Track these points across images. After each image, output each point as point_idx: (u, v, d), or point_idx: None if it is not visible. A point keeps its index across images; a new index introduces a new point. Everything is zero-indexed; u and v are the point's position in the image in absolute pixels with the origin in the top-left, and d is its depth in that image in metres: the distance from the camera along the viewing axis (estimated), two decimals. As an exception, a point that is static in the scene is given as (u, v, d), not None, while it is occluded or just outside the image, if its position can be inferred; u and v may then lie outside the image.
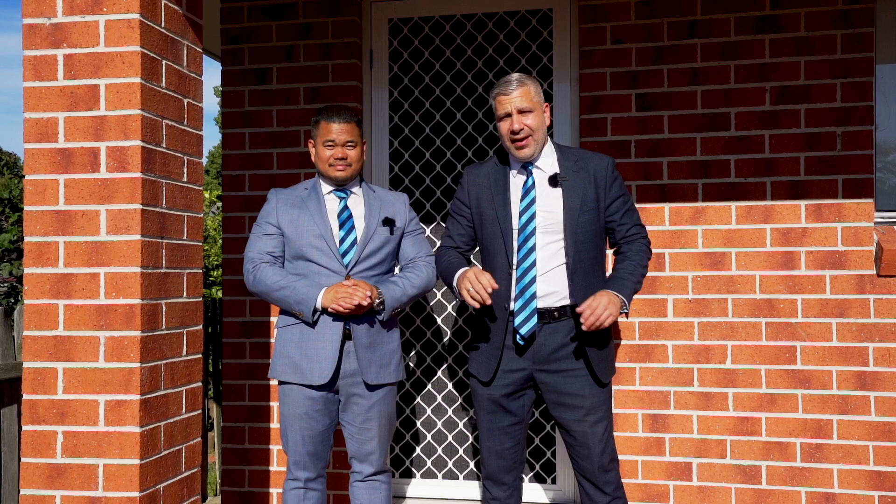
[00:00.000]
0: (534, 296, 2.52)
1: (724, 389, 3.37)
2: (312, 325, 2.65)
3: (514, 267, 2.55)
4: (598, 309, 2.37)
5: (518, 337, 2.54)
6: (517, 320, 2.52)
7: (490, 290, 2.37)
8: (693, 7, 3.43)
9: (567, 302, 2.55)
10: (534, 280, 2.52)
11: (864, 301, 3.28)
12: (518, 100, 2.54)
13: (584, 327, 2.39)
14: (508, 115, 2.55)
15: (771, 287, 3.35)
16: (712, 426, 3.37)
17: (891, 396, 3.26)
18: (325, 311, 2.64)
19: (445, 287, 3.75)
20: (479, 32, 3.74)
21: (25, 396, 2.38)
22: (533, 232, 2.54)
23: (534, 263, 2.53)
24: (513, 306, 2.55)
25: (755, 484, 3.34)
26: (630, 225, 2.65)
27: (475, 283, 2.38)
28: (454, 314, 3.74)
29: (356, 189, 2.82)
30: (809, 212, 3.33)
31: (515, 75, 2.58)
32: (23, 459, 2.38)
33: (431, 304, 3.77)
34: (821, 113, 3.34)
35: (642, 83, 3.45)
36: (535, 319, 2.51)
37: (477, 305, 2.39)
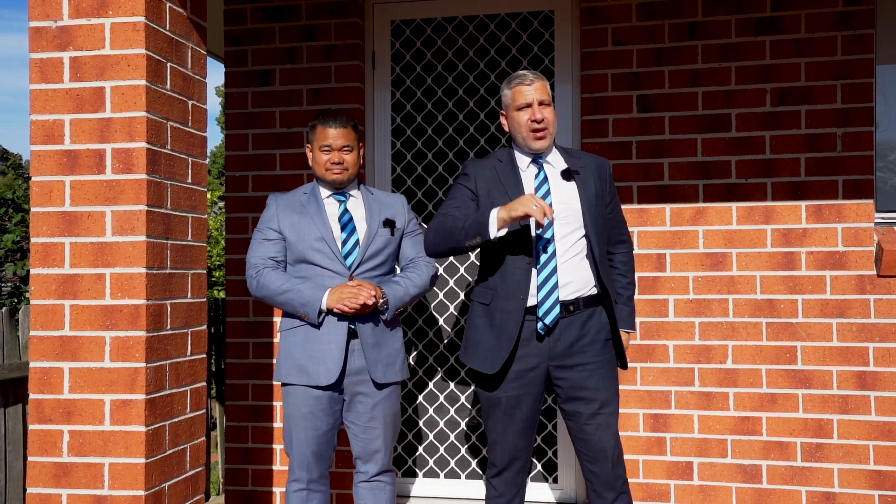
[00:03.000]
0: (556, 285, 2.52)
1: (724, 389, 3.38)
2: (318, 326, 2.67)
3: (535, 257, 2.54)
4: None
5: (540, 326, 2.53)
6: (541, 310, 2.52)
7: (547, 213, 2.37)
8: (694, 9, 3.44)
9: (581, 293, 2.56)
10: (555, 270, 2.53)
11: (864, 301, 3.30)
12: (537, 91, 2.58)
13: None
14: (529, 104, 2.58)
15: (771, 287, 3.36)
16: (713, 426, 3.39)
17: (891, 396, 3.27)
18: (329, 311, 2.66)
19: (447, 287, 3.77)
20: (481, 34, 3.76)
21: (32, 396, 2.40)
22: (551, 223, 2.53)
23: (554, 253, 2.53)
24: (533, 299, 2.54)
25: (756, 483, 3.36)
26: (622, 225, 2.78)
27: (534, 198, 2.36)
28: (456, 314, 3.76)
29: (354, 192, 2.84)
30: (810, 212, 3.35)
31: (529, 70, 2.65)
32: (29, 458, 2.40)
33: (433, 304, 3.79)
34: (821, 114, 3.35)
35: (643, 84, 3.47)
36: (558, 308, 2.52)
37: (540, 210, 2.34)
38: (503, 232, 2.43)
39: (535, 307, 2.53)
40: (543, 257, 2.53)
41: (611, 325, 2.61)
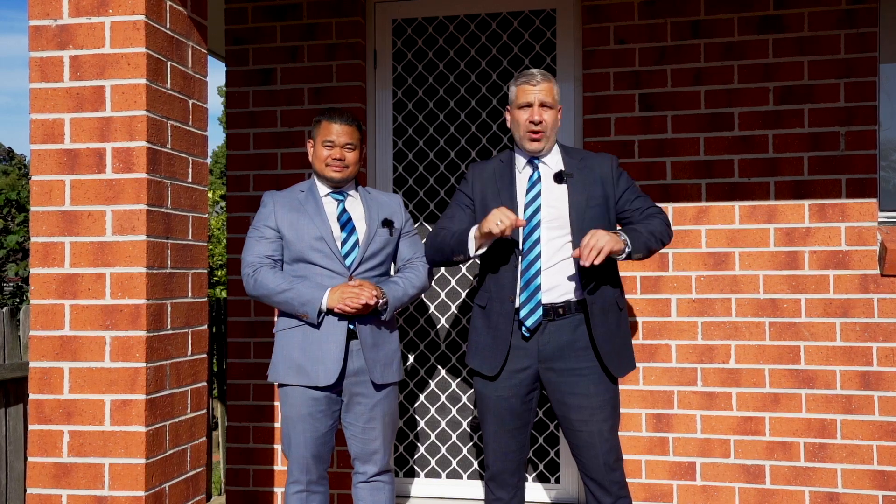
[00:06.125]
0: (538, 288, 2.52)
1: (727, 389, 3.37)
2: (317, 326, 2.66)
3: (520, 260, 2.55)
4: (593, 240, 2.35)
5: (524, 329, 2.54)
6: (522, 312, 2.52)
7: (514, 223, 2.37)
8: (696, 7, 3.43)
9: (571, 297, 2.55)
10: (538, 273, 2.52)
11: (867, 301, 3.28)
12: (541, 93, 2.57)
13: (582, 262, 2.36)
14: (530, 104, 2.57)
15: (774, 287, 3.35)
16: (716, 426, 3.37)
17: (894, 396, 3.26)
18: (329, 311, 2.65)
19: (449, 287, 3.76)
20: (483, 32, 3.75)
21: (32, 396, 2.40)
22: (538, 225, 2.54)
23: (538, 256, 2.53)
24: (518, 300, 2.55)
25: (759, 483, 3.34)
26: (646, 207, 2.64)
27: (502, 213, 2.39)
28: (457, 313, 3.75)
29: (352, 191, 2.83)
30: (813, 212, 3.33)
31: (539, 70, 2.62)
32: (29, 459, 2.39)
33: (435, 303, 3.78)
34: (824, 113, 3.34)
35: (646, 83, 3.46)
36: (540, 311, 2.51)
37: (503, 228, 2.37)
38: (482, 249, 2.52)
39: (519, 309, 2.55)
40: (527, 261, 2.54)
41: (589, 337, 2.55)
